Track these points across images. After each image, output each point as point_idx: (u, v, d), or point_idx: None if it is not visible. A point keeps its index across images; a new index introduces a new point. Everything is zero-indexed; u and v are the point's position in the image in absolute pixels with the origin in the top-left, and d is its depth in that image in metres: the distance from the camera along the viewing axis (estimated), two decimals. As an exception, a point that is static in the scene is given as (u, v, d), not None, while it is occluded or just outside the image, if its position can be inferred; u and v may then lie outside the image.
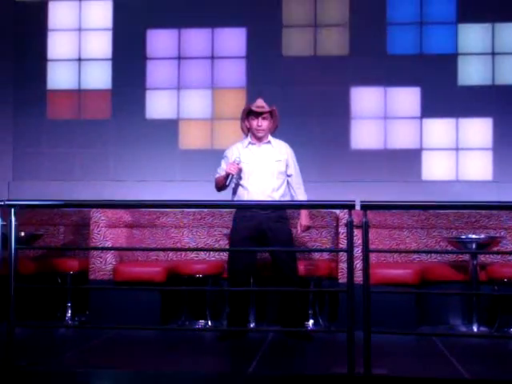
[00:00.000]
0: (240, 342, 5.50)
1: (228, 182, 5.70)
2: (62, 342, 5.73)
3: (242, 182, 5.77)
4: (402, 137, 8.17)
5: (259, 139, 5.81)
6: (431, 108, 8.10)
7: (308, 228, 5.96)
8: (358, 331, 4.24)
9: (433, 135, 8.12)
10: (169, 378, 4.38)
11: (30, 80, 8.49)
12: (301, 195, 5.85)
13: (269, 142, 5.84)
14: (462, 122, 8.05)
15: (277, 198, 5.72)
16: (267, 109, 5.74)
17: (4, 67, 8.50)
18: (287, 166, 5.83)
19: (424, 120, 8.13)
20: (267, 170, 5.75)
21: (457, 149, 8.06)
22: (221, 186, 5.79)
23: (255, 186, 5.72)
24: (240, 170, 5.71)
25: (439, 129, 8.11)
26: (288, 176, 5.84)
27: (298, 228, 5.90)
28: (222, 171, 5.81)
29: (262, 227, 5.67)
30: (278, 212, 5.71)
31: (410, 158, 8.10)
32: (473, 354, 5.10)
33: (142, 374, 4.43)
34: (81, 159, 8.45)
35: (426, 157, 8.11)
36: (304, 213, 5.90)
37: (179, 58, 8.47)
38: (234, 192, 5.84)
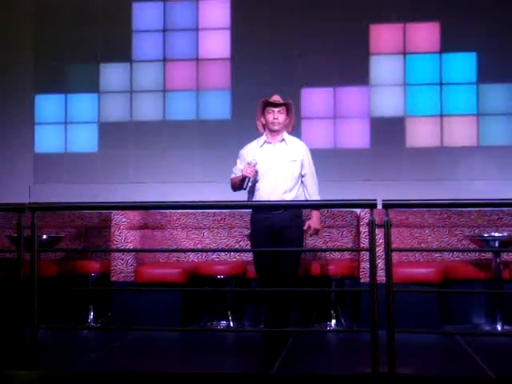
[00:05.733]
0: (264, 343, 5.50)
1: (245, 185, 5.57)
2: (85, 344, 5.76)
3: (255, 183, 5.66)
4: (422, 134, 8.16)
5: (274, 135, 5.70)
6: (452, 104, 8.10)
7: (317, 231, 5.83)
8: (382, 331, 4.23)
9: (453, 133, 8.09)
10: (191, 379, 4.37)
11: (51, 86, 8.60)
12: (315, 197, 5.70)
13: (283, 140, 5.71)
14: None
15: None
16: (283, 101, 5.67)
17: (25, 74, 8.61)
18: (302, 165, 5.70)
19: (444, 118, 8.11)
20: (281, 172, 5.62)
21: (478, 146, 8.04)
22: (237, 187, 5.70)
23: (267, 187, 5.60)
24: (257, 173, 5.61)
25: (459, 127, 8.09)
26: (302, 176, 5.71)
27: (306, 226, 5.71)
28: (237, 171, 5.74)
29: (277, 227, 5.55)
30: (292, 211, 5.56)
31: (431, 157, 8.08)
32: (497, 353, 5.07)
33: (165, 376, 4.44)
34: (101, 161, 8.51)
35: (446, 155, 8.07)
36: (316, 215, 5.76)
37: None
38: (249, 192, 5.72)
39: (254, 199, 5.67)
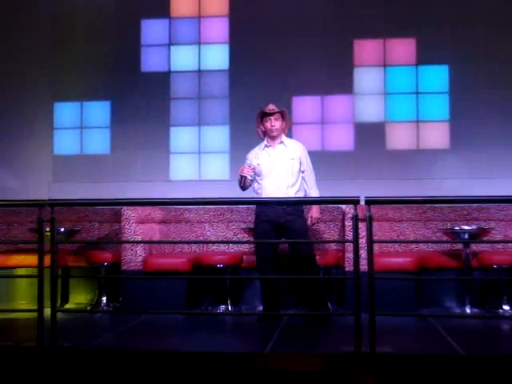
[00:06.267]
0: (262, 324, 5.54)
1: (242, 183, 5.73)
2: (99, 326, 5.76)
3: (260, 181, 5.78)
4: (400, 138, 8.20)
5: (274, 139, 5.80)
6: (427, 111, 8.14)
7: (318, 220, 5.93)
8: (364, 314, 4.26)
9: (428, 137, 8.14)
10: (193, 357, 4.39)
11: (68, 94, 8.63)
12: (313, 190, 5.81)
13: (282, 142, 5.81)
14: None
15: (292, 194, 5.71)
16: (277, 109, 5.76)
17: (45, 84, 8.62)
18: (301, 163, 5.80)
19: (420, 123, 8.16)
20: (282, 169, 5.73)
21: (450, 149, 8.07)
22: (241, 186, 5.81)
23: (272, 183, 5.72)
24: (254, 173, 5.73)
25: (433, 132, 8.13)
26: (302, 172, 5.81)
27: (309, 219, 5.84)
28: None
29: (279, 221, 5.66)
30: (294, 206, 5.67)
31: (408, 159, 8.13)
32: (466, 332, 5.10)
33: (170, 354, 4.45)
34: (113, 162, 8.53)
35: (422, 157, 8.12)
36: (315, 206, 5.89)
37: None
38: (255, 190, 5.84)
39: (260, 196, 5.77)
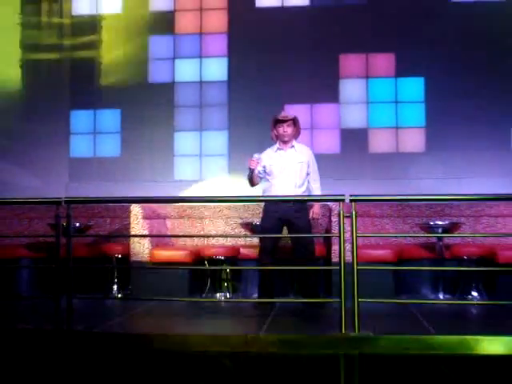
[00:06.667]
0: (256, 310, 5.55)
1: (249, 176, 5.64)
2: (110, 311, 5.76)
3: (271, 181, 5.74)
4: (381, 142, 8.21)
5: (285, 143, 5.74)
6: (405, 119, 8.14)
7: (318, 215, 5.94)
8: (348, 300, 4.27)
9: (406, 142, 8.15)
10: (195, 339, 4.39)
11: (84, 103, 8.62)
12: (316, 189, 5.81)
13: (293, 146, 5.76)
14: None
15: (299, 193, 5.69)
16: (290, 117, 5.72)
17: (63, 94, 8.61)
18: (308, 166, 5.77)
19: (399, 129, 8.17)
20: (292, 171, 5.69)
21: (426, 152, 8.07)
22: (249, 181, 5.73)
23: (282, 183, 5.68)
24: (264, 171, 5.70)
25: (411, 137, 8.14)
26: (308, 174, 5.79)
27: (311, 215, 5.84)
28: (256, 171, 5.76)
29: (286, 217, 5.63)
30: (299, 204, 5.67)
31: (389, 161, 8.13)
32: (438, 315, 5.13)
33: (174, 336, 4.45)
34: (124, 164, 8.52)
35: (400, 159, 8.13)
36: (316, 204, 5.92)
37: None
38: (265, 188, 5.80)
39: (270, 194, 5.72)
